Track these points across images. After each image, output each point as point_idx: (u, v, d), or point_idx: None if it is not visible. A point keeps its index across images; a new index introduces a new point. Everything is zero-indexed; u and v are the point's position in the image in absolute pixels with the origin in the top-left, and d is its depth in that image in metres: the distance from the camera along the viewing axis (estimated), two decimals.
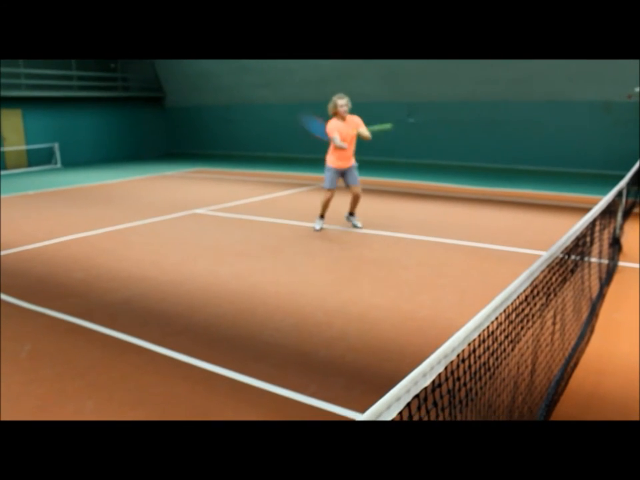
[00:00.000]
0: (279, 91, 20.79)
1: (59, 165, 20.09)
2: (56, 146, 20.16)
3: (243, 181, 15.51)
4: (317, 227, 8.97)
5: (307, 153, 20.33)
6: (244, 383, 4.05)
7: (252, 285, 6.31)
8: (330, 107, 8.48)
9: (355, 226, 9.10)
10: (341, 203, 9.79)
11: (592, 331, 4.84)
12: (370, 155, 18.18)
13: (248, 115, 21.98)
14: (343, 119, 8.46)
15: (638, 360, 4.37)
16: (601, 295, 5.54)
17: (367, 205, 11.07)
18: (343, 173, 8.75)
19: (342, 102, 8.38)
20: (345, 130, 8.41)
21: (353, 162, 8.74)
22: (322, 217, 9.01)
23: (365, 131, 8.49)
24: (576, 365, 4.17)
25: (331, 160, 8.69)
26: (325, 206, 8.91)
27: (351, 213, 9.19)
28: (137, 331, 4.99)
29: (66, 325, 5.17)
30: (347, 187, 8.88)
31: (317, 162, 19.57)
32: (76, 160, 20.77)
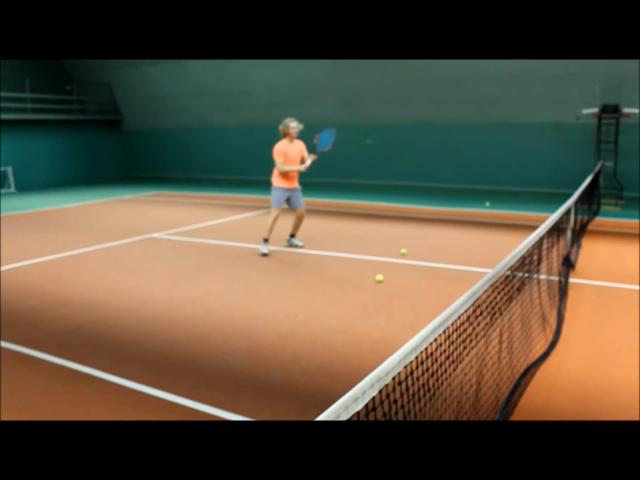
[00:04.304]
0: (237, 114, 20.80)
1: (12, 189, 19.69)
2: (9, 170, 19.77)
3: (201, 204, 15.43)
4: (265, 251, 8.83)
5: (265, 175, 20.32)
6: (195, 410, 3.99)
7: (206, 309, 6.25)
8: (281, 128, 8.83)
9: (296, 246, 9.31)
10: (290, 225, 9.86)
11: (552, 347, 4.92)
12: (328, 177, 18.31)
13: (206, 137, 21.93)
14: (292, 140, 8.83)
15: (587, 375, 4.45)
16: (560, 313, 5.62)
17: (324, 226, 11.13)
18: (288, 196, 8.98)
19: (294, 124, 8.77)
20: (291, 152, 8.79)
21: (297, 183, 9.06)
22: (266, 240, 8.91)
23: (307, 160, 8.90)
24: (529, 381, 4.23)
25: (277, 181, 8.96)
26: (272, 227, 8.91)
27: (292, 235, 9.39)
28: (87, 360, 4.88)
29: (14, 355, 5.04)
30: (293, 209, 9.16)
31: None
32: (31, 184, 20.32)
